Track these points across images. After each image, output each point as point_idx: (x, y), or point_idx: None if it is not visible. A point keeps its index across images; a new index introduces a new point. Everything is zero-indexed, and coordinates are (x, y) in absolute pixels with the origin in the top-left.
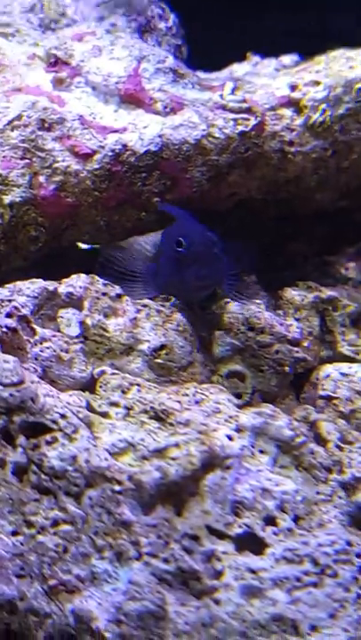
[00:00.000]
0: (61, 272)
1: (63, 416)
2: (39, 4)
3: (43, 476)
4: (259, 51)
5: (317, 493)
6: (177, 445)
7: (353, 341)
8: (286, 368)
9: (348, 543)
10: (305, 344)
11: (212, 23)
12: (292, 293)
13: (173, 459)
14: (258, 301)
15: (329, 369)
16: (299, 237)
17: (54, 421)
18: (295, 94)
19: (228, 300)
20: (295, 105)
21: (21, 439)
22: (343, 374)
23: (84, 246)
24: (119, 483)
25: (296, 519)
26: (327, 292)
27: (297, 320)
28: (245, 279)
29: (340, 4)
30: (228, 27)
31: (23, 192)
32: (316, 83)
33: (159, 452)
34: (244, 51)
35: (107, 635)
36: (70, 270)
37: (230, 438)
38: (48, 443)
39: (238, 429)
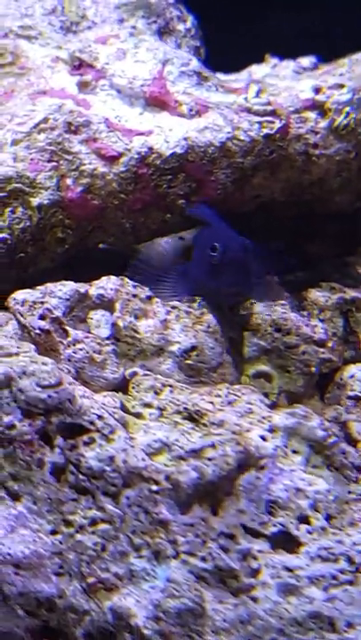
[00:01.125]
0: (83, 273)
1: (100, 417)
2: (60, 7)
3: (80, 477)
4: (272, 52)
5: (349, 493)
6: (213, 446)
7: None
8: (313, 369)
9: None
10: (330, 345)
11: (227, 24)
12: (317, 294)
13: (210, 459)
14: (283, 302)
15: (353, 369)
16: (315, 238)
17: (91, 422)
18: (319, 97)
19: (254, 301)
20: (319, 108)
21: (59, 440)
22: None
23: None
24: (156, 482)
25: (329, 518)
26: (351, 294)
27: (321, 321)
28: (269, 280)
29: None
30: (243, 28)
31: (51, 194)
32: (341, 86)
33: (195, 453)
34: (259, 52)
35: (145, 632)
36: (90, 271)
37: (264, 439)
38: (86, 443)
39: (272, 430)
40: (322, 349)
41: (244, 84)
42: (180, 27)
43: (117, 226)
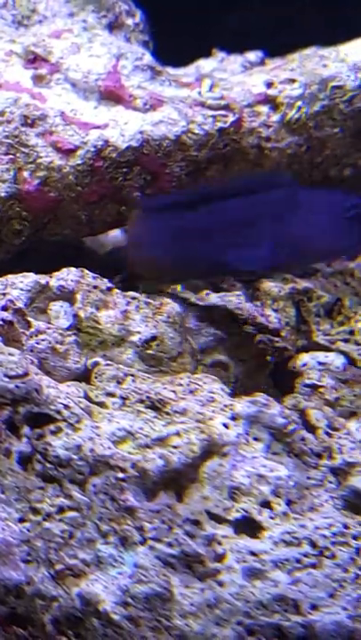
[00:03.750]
0: (34, 264)
1: (67, 406)
2: (11, 0)
3: (48, 465)
4: (218, 45)
5: (309, 478)
6: (178, 434)
7: (327, 331)
8: (268, 357)
9: (345, 526)
10: (284, 334)
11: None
12: (270, 285)
13: (175, 447)
14: (238, 293)
15: (307, 358)
16: None
17: (58, 412)
18: (272, 91)
19: (209, 291)
20: (272, 102)
21: (26, 429)
22: (320, 363)
23: None
24: (123, 470)
25: (290, 503)
26: (303, 284)
27: (275, 311)
28: None
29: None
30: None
31: (8, 187)
32: (292, 80)
33: (161, 441)
34: (204, 45)
35: (114, 617)
36: (41, 262)
37: (226, 426)
38: (53, 432)
39: (234, 417)
40: (276, 338)
41: (194, 79)
42: (129, 21)
43: (73, 218)
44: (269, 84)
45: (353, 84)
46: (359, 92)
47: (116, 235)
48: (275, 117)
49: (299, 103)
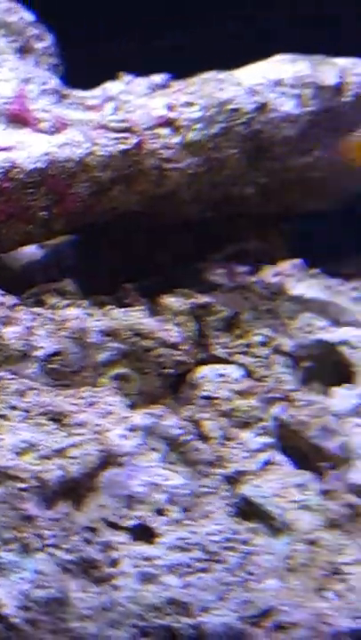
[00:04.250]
0: None
1: None
2: None
3: None
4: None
5: (202, 487)
6: (76, 445)
7: (226, 344)
8: (168, 370)
9: (235, 532)
10: (184, 347)
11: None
12: (171, 300)
13: (74, 458)
14: (140, 308)
15: (205, 370)
16: (168, 246)
17: None
18: (172, 114)
19: (113, 307)
20: (172, 124)
21: None
22: (219, 375)
23: None
24: (23, 481)
25: (184, 511)
26: (203, 299)
27: (176, 325)
28: (123, 287)
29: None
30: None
31: None
32: (191, 104)
33: (60, 452)
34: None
35: (15, 620)
36: None
37: (124, 437)
38: None
39: (131, 429)
40: (176, 352)
41: (100, 101)
42: (39, 45)
43: None
44: (170, 107)
45: (249, 107)
46: (255, 114)
47: (31, 250)
48: (175, 139)
49: (198, 125)
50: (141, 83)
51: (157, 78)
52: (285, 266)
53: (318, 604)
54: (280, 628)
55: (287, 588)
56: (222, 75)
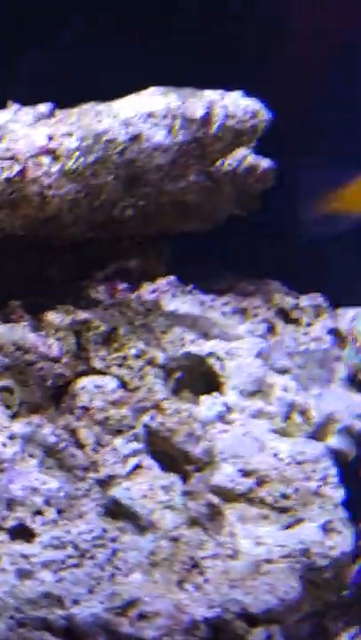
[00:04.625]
0: None
1: None
2: None
3: None
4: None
5: (77, 490)
6: None
7: (104, 357)
8: (49, 382)
9: (104, 530)
10: (64, 361)
11: None
12: (53, 316)
13: None
14: (24, 323)
15: (85, 382)
16: (53, 265)
17: None
18: (52, 144)
19: None
20: (52, 153)
21: None
22: (97, 386)
23: None
24: None
25: (60, 512)
26: (82, 315)
27: (57, 340)
28: (10, 304)
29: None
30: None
31: None
32: (70, 134)
33: None
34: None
35: None
36: None
37: (4, 445)
38: None
39: (11, 437)
40: (57, 365)
41: None
42: None
43: None
44: (51, 138)
45: (123, 137)
46: (129, 144)
47: None
48: (55, 167)
49: (76, 154)
50: (28, 112)
51: (43, 108)
52: (162, 283)
53: (178, 596)
54: (143, 617)
55: (151, 581)
56: (100, 106)
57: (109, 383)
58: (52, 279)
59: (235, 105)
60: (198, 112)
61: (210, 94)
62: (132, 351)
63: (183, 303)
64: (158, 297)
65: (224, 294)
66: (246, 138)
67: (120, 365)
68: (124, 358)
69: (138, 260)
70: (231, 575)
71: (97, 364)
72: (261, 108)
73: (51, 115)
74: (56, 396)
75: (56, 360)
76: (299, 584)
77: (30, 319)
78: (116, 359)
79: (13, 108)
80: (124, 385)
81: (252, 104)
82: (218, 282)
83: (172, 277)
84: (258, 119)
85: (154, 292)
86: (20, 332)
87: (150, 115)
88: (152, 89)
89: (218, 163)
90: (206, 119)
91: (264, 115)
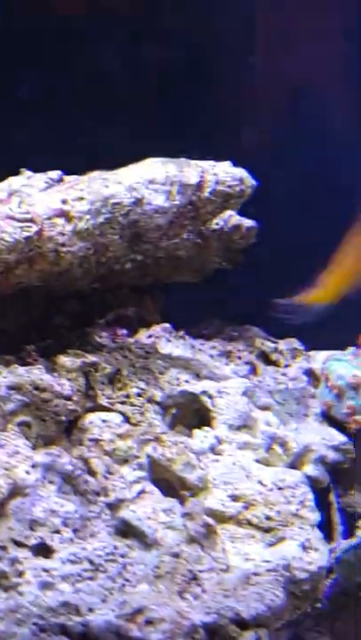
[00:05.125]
0: None
1: None
2: None
3: None
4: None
5: (90, 512)
6: None
7: (109, 395)
8: (62, 418)
9: (115, 547)
10: (75, 399)
11: None
12: (64, 359)
13: None
14: (39, 366)
15: (92, 417)
16: (62, 313)
17: None
18: (65, 207)
19: (17, 365)
20: (66, 215)
21: None
22: (103, 421)
23: None
24: None
25: (75, 531)
26: (91, 358)
27: (69, 380)
28: (26, 348)
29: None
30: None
31: None
32: (81, 198)
33: None
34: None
35: None
36: None
37: (28, 473)
38: None
39: (34, 466)
40: (69, 402)
41: (7, 194)
42: None
43: None
44: (64, 201)
45: (128, 201)
46: (133, 207)
47: None
48: (68, 227)
49: (87, 217)
50: (40, 177)
51: (53, 174)
52: (157, 329)
53: (180, 604)
54: (149, 622)
55: (156, 591)
56: (106, 174)
57: (115, 418)
58: (58, 325)
59: (224, 172)
60: (193, 179)
61: (202, 164)
62: (134, 390)
63: (176, 347)
64: (154, 341)
65: (211, 339)
66: (234, 201)
67: (123, 403)
68: (127, 396)
69: (135, 308)
70: (225, 586)
71: (103, 401)
72: (247, 175)
73: (59, 180)
74: (67, 430)
75: (68, 398)
76: (283, 594)
77: (44, 362)
78: (120, 397)
79: (26, 174)
80: (127, 420)
81: (238, 172)
82: (205, 328)
83: (166, 324)
84: (244, 185)
85: (150, 337)
86: (37, 373)
87: (151, 181)
88: (151, 159)
89: (208, 223)
90: (200, 185)
91: (249, 181)
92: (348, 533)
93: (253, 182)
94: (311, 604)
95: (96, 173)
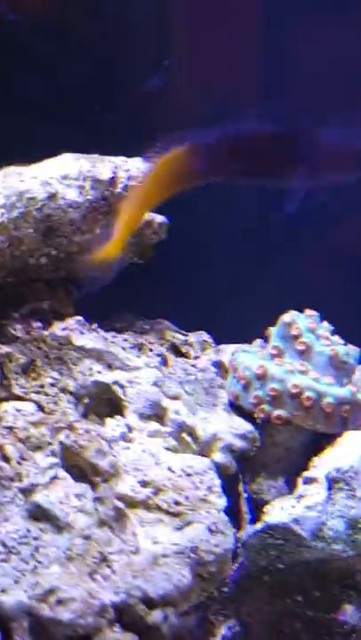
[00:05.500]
0: None
1: None
2: None
3: None
4: None
5: (4, 497)
6: None
7: (23, 385)
8: None
9: (28, 530)
10: None
11: None
12: None
13: None
14: None
15: (7, 406)
16: None
17: None
18: None
19: None
20: None
21: None
22: (17, 410)
23: None
24: None
25: None
26: (5, 349)
27: None
28: None
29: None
30: None
31: None
32: None
33: None
34: None
35: None
36: None
37: None
38: None
39: None
40: None
41: None
42: None
43: None
44: None
45: (42, 195)
46: (47, 202)
47: None
48: None
49: (1, 210)
50: None
51: None
52: (71, 321)
53: (90, 584)
54: (60, 602)
55: (67, 573)
56: (22, 169)
57: (29, 407)
58: None
59: (136, 168)
60: (106, 174)
61: (115, 159)
62: (48, 380)
63: (90, 339)
64: (68, 334)
65: (123, 332)
66: None
67: (37, 392)
68: (41, 386)
69: (49, 302)
70: (134, 567)
71: (17, 390)
72: None
73: None
74: None
75: None
76: (190, 574)
77: None
78: (34, 387)
79: None
80: (41, 409)
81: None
82: (117, 321)
83: (79, 317)
84: None
85: (64, 329)
86: None
87: (65, 177)
88: (66, 155)
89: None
90: (113, 180)
91: None
92: (254, 519)
93: None
94: (218, 587)
95: (11, 169)
